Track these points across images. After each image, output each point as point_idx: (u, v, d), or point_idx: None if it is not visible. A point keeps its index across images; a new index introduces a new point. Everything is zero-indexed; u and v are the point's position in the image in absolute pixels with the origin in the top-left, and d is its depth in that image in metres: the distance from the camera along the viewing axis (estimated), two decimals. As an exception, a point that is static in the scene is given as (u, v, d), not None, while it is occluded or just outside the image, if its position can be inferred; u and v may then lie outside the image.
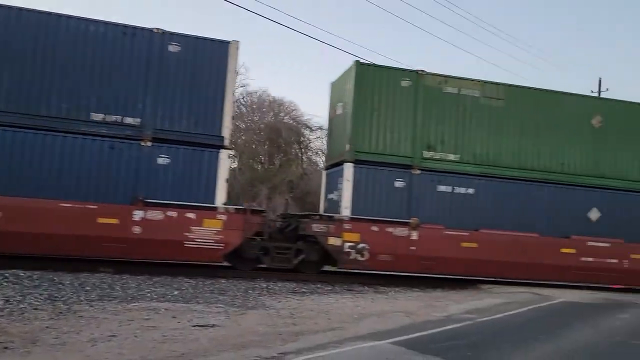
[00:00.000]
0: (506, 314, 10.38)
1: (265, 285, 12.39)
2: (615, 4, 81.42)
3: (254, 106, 29.26)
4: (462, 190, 14.78)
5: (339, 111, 15.86)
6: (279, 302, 10.32)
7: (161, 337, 6.47)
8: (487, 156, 15.18)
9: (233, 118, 14.47)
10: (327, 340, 7.07)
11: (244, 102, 30.31)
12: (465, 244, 14.43)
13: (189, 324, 7.46)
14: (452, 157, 14.88)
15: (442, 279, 15.22)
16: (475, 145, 15.09)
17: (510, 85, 15.74)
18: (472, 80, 15.30)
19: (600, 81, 33.66)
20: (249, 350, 6.23)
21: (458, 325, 8.86)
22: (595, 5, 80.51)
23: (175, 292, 10.42)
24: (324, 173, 17.31)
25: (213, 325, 7.48)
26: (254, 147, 25.90)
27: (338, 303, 10.71)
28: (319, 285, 13.19)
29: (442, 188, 14.64)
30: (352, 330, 7.89)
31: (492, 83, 15.42)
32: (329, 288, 13.01)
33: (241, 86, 29.92)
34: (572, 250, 15.24)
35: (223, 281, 12.46)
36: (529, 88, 16.02)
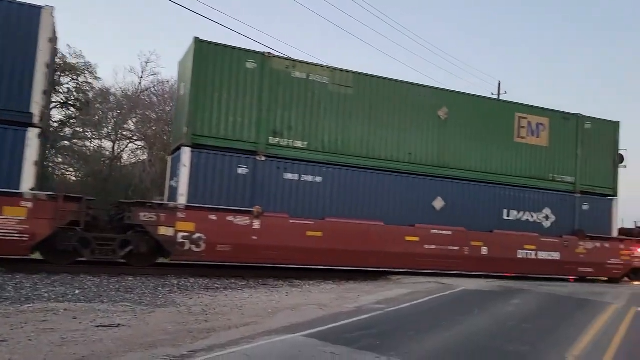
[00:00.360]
0: (413, 303, 10.90)
1: (176, 282, 11.99)
2: (521, 18, 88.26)
3: (166, 96, 28.05)
4: (309, 178, 14.49)
5: (182, 92, 14.86)
6: (191, 298, 10.03)
7: (59, 340, 6.03)
8: (336, 144, 15.00)
9: (46, 93, 12.79)
10: (240, 336, 7.00)
11: (155, 92, 29.00)
12: (310, 233, 14.14)
13: (91, 325, 7.02)
14: (299, 144, 14.49)
15: (355, 271, 15.67)
16: (323, 133, 14.85)
17: (359, 73, 15.46)
18: (322, 66, 15.07)
19: (499, 84, 36.26)
20: (158, 349, 5.99)
21: (369, 315, 9.17)
22: (504, 20, 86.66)
23: (77, 292, 9.76)
24: (169, 159, 16.13)
25: (118, 325, 7.11)
26: (165, 138, 24.83)
27: (252, 298, 10.63)
28: (233, 281, 13.02)
29: (288, 176, 14.26)
30: (266, 325, 7.88)
31: (341, 70, 15.23)
32: (243, 283, 12.89)
33: (152, 74, 28.68)
34: (416, 239, 15.54)
35: (130, 279, 11.87)
36: (379, 77, 15.86)
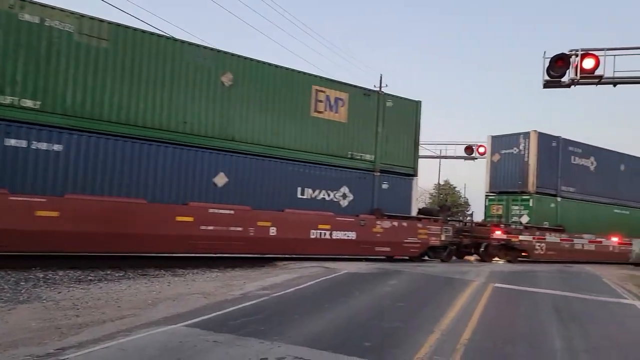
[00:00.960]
0: (298, 287, 11.12)
1: (42, 275, 10.92)
2: (402, 17, 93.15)
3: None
4: (43, 145, 12.02)
5: None
6: (59, 292, 9.21)
7: None
8: (83, 106, 12.65)
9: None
10: (116, 330, 6.60)
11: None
12: (41, 213, 11.72)
13: None
14: (29, 103, 11.92)
15: (242, 258, 15.56)
16: (65, 92, 12.41)
17: (118, 25, 13.24)
18: (64, 10, 12.43)
19: (381, 77, 38.07)
20: (19, 349, 5.44)
21: (254, 302, 9.16)
22: (389, 19, 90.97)
23: None
24: None
25: (-31, 326, 6.32)
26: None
27: (130, 289, 10.06)
28: (109, 272, 12.17)
29: (11, 142, 11.61)
30: (145, 317, 7.51)
31: (92, 18, 12.83)
32: (121, 274, 12.13)
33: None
34: (190, 219, 14.00)
35: (-14, 273, 10.59)
36: (144, 31, 13.99)
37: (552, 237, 23.38)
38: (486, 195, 26.19)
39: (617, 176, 27.62)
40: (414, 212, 19.50)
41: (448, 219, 22.25)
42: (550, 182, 24.47)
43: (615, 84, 13.52)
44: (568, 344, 7.35)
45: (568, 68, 13.23)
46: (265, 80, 15.83)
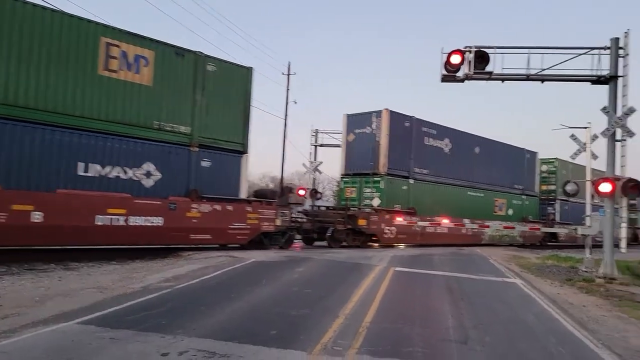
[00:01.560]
0: (203, 278, 10.86)
1: None
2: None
3: None
4: None
5: None
6: None
7: None
8: None
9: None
10: (-4, 331, 6.00)
11: None
12: None
13: None
14: None
15: (142, 249, 14.84)
16: None
17: None
18: None
19: (289, 64, 37.99)
20: None
21: (155, 294, 8.80)
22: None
23: None
24: None
25: None
26: None
27: (14, 286, 9.20)
28: (-12, 268, 11.04)
29: None
30: (31, 316, 6.90)
31: None
32: (3, 269, 11.05)
33: None
34: None
35: None
36: None
37: (402, 221, 22.17)
38: (341, 177, 25.08)
39: (472, 159, 27.57)
40: (243, 194, 17.33)
41: (291, 202, 21.04)
42: (403, 163, 23.73)
43: (503, 80, 14.67)
44: (458, 321, 7.92)
45: (462, 64, 14.10)
46: (27, 26, 12.46)
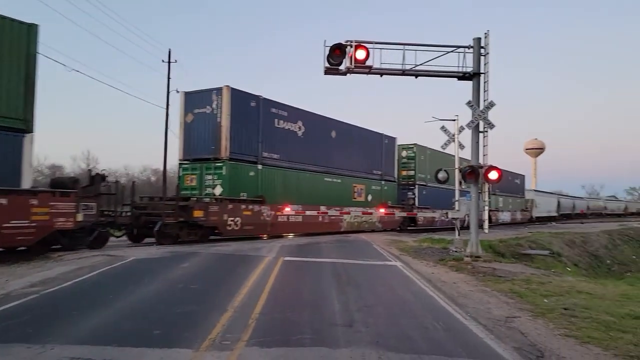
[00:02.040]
0: (76, 280, 10.00)
1: None
2: None
3: None
4: None
5: None
6: None
7: None
8: None
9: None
10: None
11: None
12: None
13: None
14: None
15: (4, 252, 13.26)
16: None
17: None
18: None
19: (169, 52, 36.23)
20: None
21: (20, 301, 7.92)
22: None
23: None
24: None
25: None
26: None
27: None
28: None
29: None
30: None
31: None
32: None
33: None
34: None
35: None
36: None
37: (248, 210, 20.70)
38: (180, 163, 22.04)
39: (328, 143, 26.27)
40: (27, 184, 13.70)
41: (105, 192, 17.03)
42: (249, 147, 21.43)
43: (382, 74, 15.43)
44: (345, 306, 8.23)
45: (344, 57, 14.56)
46: None
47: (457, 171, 19.51)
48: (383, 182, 31.22)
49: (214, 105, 20.68)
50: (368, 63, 14.75)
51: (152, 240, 18.10)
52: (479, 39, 15.46)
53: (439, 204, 34.20)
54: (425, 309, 8.31)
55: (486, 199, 16.27)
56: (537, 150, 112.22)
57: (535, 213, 55.84)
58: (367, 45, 14.69)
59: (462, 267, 13.75)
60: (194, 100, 21.47)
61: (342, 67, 14.85)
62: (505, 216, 46.95)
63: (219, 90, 20.63)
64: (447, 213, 18.78)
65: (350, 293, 9.40)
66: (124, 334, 6.18)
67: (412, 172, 33.54)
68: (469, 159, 16.25)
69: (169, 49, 36.60)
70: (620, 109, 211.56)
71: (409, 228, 32.18)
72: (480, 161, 15.49)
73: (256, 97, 21.95)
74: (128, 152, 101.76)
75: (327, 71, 14.97)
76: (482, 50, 15.40)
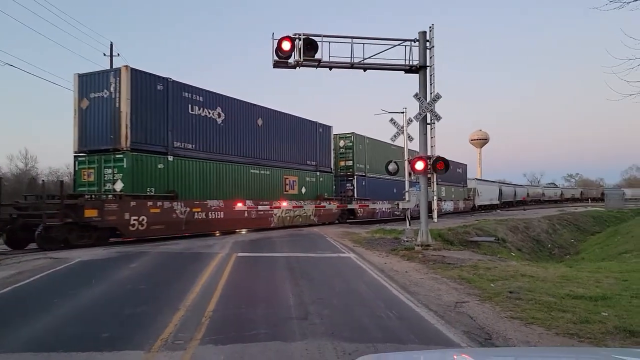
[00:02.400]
0: (16, 285, 9.47)
1: None
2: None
3: None
4: None
5: None
6: None
7: None
8: None
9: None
10: None
11: None
12: None
13: None
14: None
15: None
16: None
17: None
18: None
19: (111, 44, 34.96)
20: None
21: (-47, 311, 7.43)
22: None
23: None
24: None
25: None
26: None
27: None
28: None
29: None
30: None
31: None
32: None
33: None
34: None
35: None
36: None
37: (156, 208, 18.68)
38: (75, 156, 19.21)
39: (254, 132, 24.35)
40: None
41: None
42: (157, 136, 19.08)
43: (331, 68, 15.47)
44: (299, 299, 8.24)
45: (293, 50, 14.48)
46: None
47: (406, 162, 19.91)
48: (318, 174, 29.67)
49: (112, 89, 18.17)
50: (317, 56, 14.75)
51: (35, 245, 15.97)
52: (425, 32, 15.78)
53: (380, 195, 33.93)
54: (379, 298, 8.45)
55: (434, 189, 16.71)
56: (481, 141, 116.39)
57: (478, 202, 56.56)
58: (316, 38, 14.68)
59: (414, 256, 14.08)
60: (90, 83, 18.76)
61: (291, 61, 14.77)
62: (448, 205, 46.92)
63: (117, 71, 18.35)
64: (397, 204, 19.10)
65: (304, 286, 9.42)
66: (71, 339, 5.92)
67: (350, 163, 32.12)
68: (417, 150, 16.60)
69: (111, 42, 35.27)
70: (556, 101, 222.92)
71: (348, 221, 31.38)
72: (429, 152, 15.87)
73: (164, 80, 19.57)
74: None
75: (276, 64, 14.84)
76: (428, 44, 15.73)
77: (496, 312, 7.38)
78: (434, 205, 17.47)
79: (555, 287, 9.27)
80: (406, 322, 6.86)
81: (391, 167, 21.05)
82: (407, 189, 19.54)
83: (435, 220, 18.09)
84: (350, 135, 32.59)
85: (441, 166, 15.51)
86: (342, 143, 32.66)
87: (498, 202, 63.76)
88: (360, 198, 32.14)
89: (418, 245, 15.57)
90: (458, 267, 12.03)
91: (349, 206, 29.59)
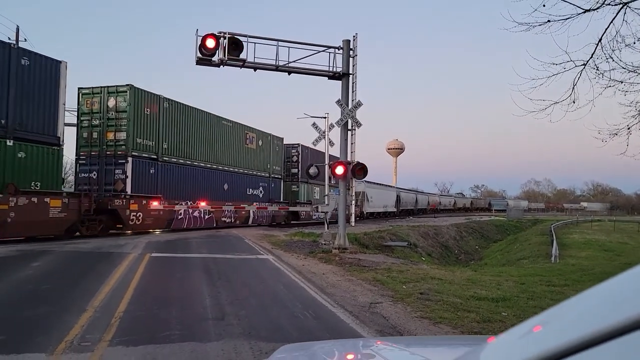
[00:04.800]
0: None
1: None
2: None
3: None
4: None
5: None
6: None
7: None
8: None
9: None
10: None
11: None
12: None
13: None
14: None
15: None
16: None
17: None
18: None
19: (17, 29, 32.27)
20: None
21: None
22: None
23: None
24: None
25: None
26: None
27: None
28: None
29: None
30: None
31: None
32: None
33: None
34: None
35: None
36: None
37: None
38: None
39: None
40: None
41: None
42: None
43: (255, 69, 15.41)
44: (216, 300, 8.12)
45: (217, 48, 14.25)
46: None
47: (327, 167, 20.28)
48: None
49: None
50: (242, 56, 14.64)
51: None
52: (349, 41, 16.20)
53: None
54: (296, 299, 8.54)
55: (353, 193, 17.16)
56: (397, 150, 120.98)
57: (368, 208, 45.80)
58: (241, 38, 14.57)
59: (331, 258, 14.36)
60: None
61: (215, 59, 14.53)
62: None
63: None
64: (317, 207, 19.36)
65: (221, 287, 9.29)
66: (-41, 343, 5.40)
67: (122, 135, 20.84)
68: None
69: (17, 26, 32.53)
70: (466, 116, 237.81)
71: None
72: (349, 158, 16.28)
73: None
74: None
75: (199, 61, 14.53)
76: (351, 52, 16.16)
77: (407, 312, 7.74)
78: (352, 210, 17.95)
79: (461, 289, 9.89)
80: (322, 322, 7.00)
81: (312, 170, 21.33)
82: (326, 193, 19.90)
83: (353, 224, 18.57)
84: (125, 89, 20.93)
85: (360, 172, 15.97)
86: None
87: (395, 210, 55.65)
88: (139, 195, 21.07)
89: (335, 249, 15.89)
90: (373, 269, 12.45)
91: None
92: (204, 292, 8.72)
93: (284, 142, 34.30)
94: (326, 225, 19.24)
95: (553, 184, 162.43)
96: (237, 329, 6.38)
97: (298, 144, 35.03)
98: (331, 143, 21.03)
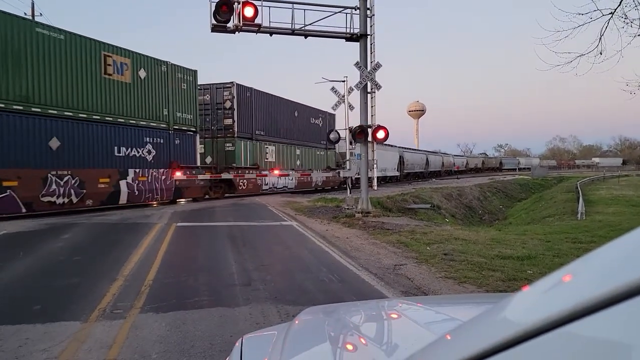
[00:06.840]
0: None
1: None
2: None
3: None
4: None
5: None
6: None
7: None
8: None
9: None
10: None
11: None
12: None
13: None
14: None
15: None
16: None
17: None
18: None
19: (33, 4, 32.29)
20: None
21: None
22: None
23: None
24: None
25: None
26: None
27: None
28: None
29: None
30: None
31: None
32: None
33: None
34: None
35: None
36: None
37: None
38: None
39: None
40: None
41: None
42: None
43: (271, 34, 15.15)
44: (242, 266, 8.23)
45: (232, 14, 14.01)
46: None
47: (347, 131, 20.09)
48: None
49: None
50: (257, 21, 14.37)
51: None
52: (365, 0, 15.74)
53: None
54: (321, 263, 8.60)
55: (375, 157, 17.02)
56: (418, 112, 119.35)
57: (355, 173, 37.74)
58: (256, 3, 14.28)
59: (354, 223, 14.39)
60: None
61: (230, 25, 14.31)
62: (284, 181, 30.31)
63: None
64: (339, 172, 19.32)
65: (247, 254, 9.42)
66: (-2, 313, 5.61)
67: None
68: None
69: (32, 1, 32.46)
70: (488, 73, 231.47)
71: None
72: (369, 121, 16.07)
73: None
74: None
75: (214, 28, 14.34)
76: (368, 12, 15.73)
77: (432, 273, 7.73)
78: (374, 174, 17.84)
79: (485, 248, 9.82)
80: (347, 285, 7.05)
81: (332, 135, 21.19)
82: (348, 158, 19.79)
83: (375, 188, 18.50)
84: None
85: (381, 135, 15.78)
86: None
87: (398, 174, 47.31)
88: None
89: (358, 213, 15.91)
90: (396, 232, 12.44)
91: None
92: (229, 259, 8.85)
93: (213, 82, 25.53)
94: (349, 190, 19.22)
95: (579, 140, 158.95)
96: (264, 293, 6.48)
97: (232, 82, 25.30)
98: (351, 107, 20.75)
